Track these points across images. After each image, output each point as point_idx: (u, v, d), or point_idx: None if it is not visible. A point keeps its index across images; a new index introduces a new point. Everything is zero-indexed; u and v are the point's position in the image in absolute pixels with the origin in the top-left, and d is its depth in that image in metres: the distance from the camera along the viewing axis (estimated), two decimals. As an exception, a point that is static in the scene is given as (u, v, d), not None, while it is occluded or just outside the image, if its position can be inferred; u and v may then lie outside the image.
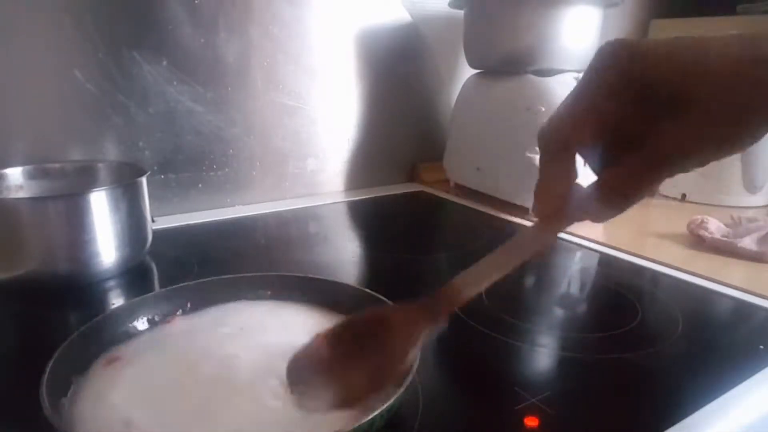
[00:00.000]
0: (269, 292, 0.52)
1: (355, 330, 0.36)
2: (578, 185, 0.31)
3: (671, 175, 0.29)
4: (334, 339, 0.36)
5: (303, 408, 0.34)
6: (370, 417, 0.32)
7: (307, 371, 0.35)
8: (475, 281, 0.34)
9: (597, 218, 0.31)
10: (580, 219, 0.31)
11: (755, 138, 0.28)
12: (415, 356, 0.35)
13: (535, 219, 0.32)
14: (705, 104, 0.27)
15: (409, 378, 0.36)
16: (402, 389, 0.35)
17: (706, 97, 0.27)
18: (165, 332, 0.46)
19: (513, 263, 0.33)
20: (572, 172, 0.31)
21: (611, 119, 0.29)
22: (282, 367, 0.37)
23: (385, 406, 0.33)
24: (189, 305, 0.49)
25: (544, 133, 0.31)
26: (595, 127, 0.30)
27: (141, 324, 0.46)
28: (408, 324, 0.34)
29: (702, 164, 0.29)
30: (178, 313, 0.48)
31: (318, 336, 0.36)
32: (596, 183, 0.30)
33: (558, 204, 0.31)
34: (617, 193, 0.29)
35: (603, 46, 0.29)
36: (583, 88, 0.30)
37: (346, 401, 0.34)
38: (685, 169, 0.29)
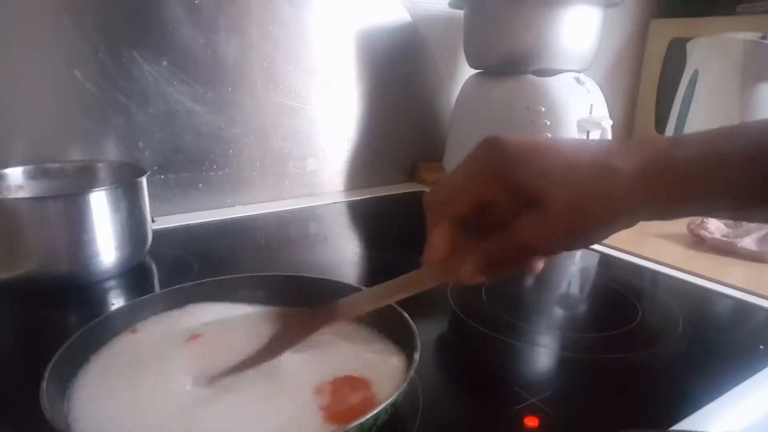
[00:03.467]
0: (269, 293, 0.51)
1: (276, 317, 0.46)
2: (464, 247, 0.36)
3: (527, 259, 0.35)
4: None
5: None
6: (375, 412, 0.32)
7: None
8: (357, 307, 0.42)
9: (470, 279, 0.35)
10: (455, 276, 0.36)
11: (598, 239, 0.34)
12: (291, 344, 0.42)
13: (422, 265, 0.38)
14: (553, 205, 0.32)
15: (411, 373, 0.36)
16: (404, 385, 0.35)
17: (555, 200, 0.32)
18: (166, 331, 0.46)
19: (395, 297, 0.41)
20: (449, 236, 0.36)
21: (484, 201, 0.35)
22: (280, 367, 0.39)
23: (389, 401, 0.33)
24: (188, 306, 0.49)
25: (428, 199, 0.37)
26: (471, 204, 0.35)
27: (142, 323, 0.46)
28: (296, 324, 0.43)
29: (553, 253, 0.35)
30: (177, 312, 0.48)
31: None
32: (472, 251, 0.35)
33: (438, 258, 0.36)
34: (485, 263, 0.35)
35: (482, 142, 0.35)
36: (464, 171, 0.36)
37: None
38: (539, 255, 0.35)
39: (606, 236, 0.33)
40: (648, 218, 0.33)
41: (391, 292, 0.41)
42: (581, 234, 0.33)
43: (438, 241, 0.36)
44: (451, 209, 0.36)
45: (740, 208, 0.33)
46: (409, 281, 0.40)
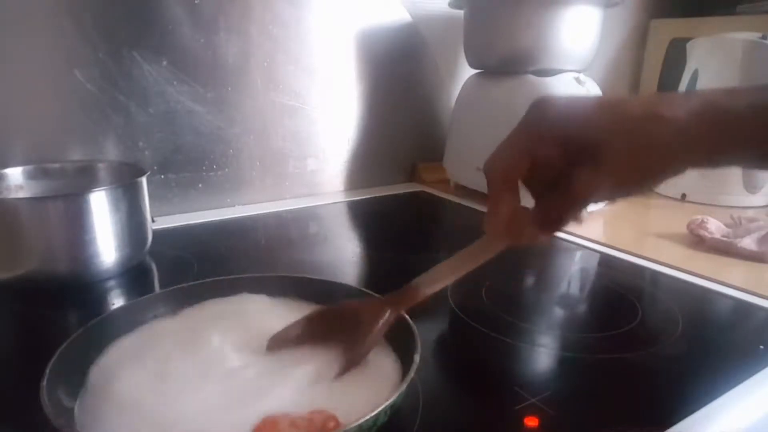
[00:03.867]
0: (268, 293, 0.51)
1: (328, 316, 0.44)
2: (521, 210, 0.37)
3: (587, 206, 0.36)
4: (308, 322, 0.43)
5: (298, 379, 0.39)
6: (375, 413, 0.32)
7: (283, 344, 0.42)
8: (432, 282, 0.42)
9: (533, 239, 0.37)
10: (520, 238, 0.38)
11: (652, 186, 0.36)
12: (376, 339, 0.41)
13: (485, 234, 0.39)
14: (608, 156, 0.33)
15: (411, 374, 0.36)
16: (404, 385, 0.35)
17: (609, 151, 0.33)
18: (166, 331, 0.46)
19: (466, 269, 0.41)
20: (514, 200, 0.37)
21: (541, 161, 0.36)
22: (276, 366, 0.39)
23: (389, 402, 0.33)
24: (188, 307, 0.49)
25: (489, 167, 0.37)
26: (528, 165, 0.36)
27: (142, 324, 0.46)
28: (372, 314, 0.42)
29: (611, 200, 0.37)
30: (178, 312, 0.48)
31: (297, 321, 0.43)
32: (531, 210, 0.37)
33: (503, 223, 0.37)
34: (545, 220, 0.37)
35: (532, 104, 0.36)
36: (519, 133, 0.37)
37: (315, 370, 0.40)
38: (597, 202, 0.36)
39: (659, 182, 0.35)
40: (698, 166, 0.35)
41: (464, 263, 0.41)
42: (636, 181, 0.35)
43: (502, 207, 0.37)
44: (511, 174, 0.37)
45: None
46: (476, 251, 0.41)
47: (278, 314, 0.47)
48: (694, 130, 0.33)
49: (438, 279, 0.42)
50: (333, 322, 0.43)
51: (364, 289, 0.49)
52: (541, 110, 0.36)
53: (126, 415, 0.35)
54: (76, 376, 0.39)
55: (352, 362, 0.40)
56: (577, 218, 0.36)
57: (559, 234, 0.39)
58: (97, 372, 0.40)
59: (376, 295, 0.47)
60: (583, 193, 0.34)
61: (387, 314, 0.41)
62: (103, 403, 0.37)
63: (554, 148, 0.35)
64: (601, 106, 0.35)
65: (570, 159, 0.35)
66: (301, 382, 0.38)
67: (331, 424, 0.33)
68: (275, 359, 0.41)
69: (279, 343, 0.42)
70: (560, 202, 0.36)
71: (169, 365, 0.40)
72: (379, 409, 0.32)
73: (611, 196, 0.36)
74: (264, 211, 0.91)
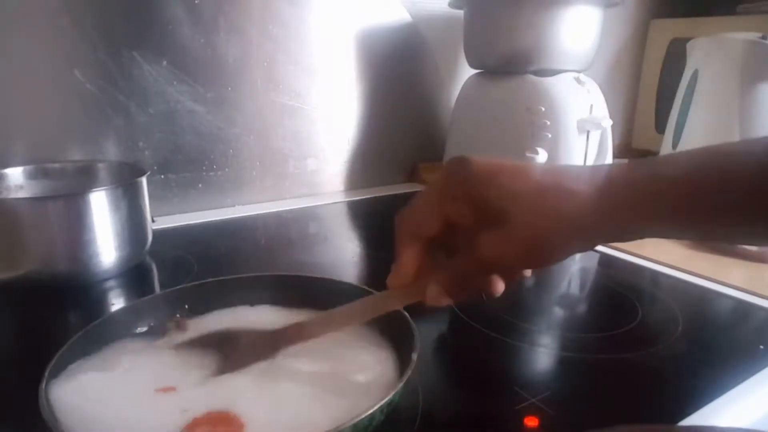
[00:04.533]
0: (269, 293, 0.51)
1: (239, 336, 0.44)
2: (427, 269, 0.37)
3: (488, 276, 0.35)
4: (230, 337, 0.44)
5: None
6: (370, 411, 0.32)
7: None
8: (323, 325, 0.42)
9: (437, 302, 0.36)
10: (422, 298, 0.37)
11: (557, 259, 0.35)
12: (245, 363, 0.41)
13: (388, 288, 0.39)
14: (514, 224, 0.33)
15: (408, 373, 0.36)
16: (401, 384, 0.35)
17: (515, 219, 0.33)
18: (167, 332, 0.46)
19: (361, 319, 0.42)
20: (418, 257, 0.37)
21: (454, 221, 0.36)
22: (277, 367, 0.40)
23: (385, 400, 0.33)
24: (188, 307, 0.49)
25: (399, 222, 0.38)
26: (439, 224, 0.36)
27: (143, 325, 0.46)
28: (251, 344, 0.43)
29: (513, 271, 0.36)
30: (179, 315, 0.48)
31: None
32: (438, 272, 0.36)
33: (405, 280, 0.37)
34: (449, 282, 0.36)
35: (449, 161, 0.36)
36: (434, 190, 0.37)
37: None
38: (500, 274, 0.35)
39: (564, 257, 0.35)
40: (606, 240, 0.35)
41: (361, 313, 0.41)
42: (539, 252, 0.34)
43: (407, 262, 0.37)
44: (421, 230, 0.37)
45: (707, 231, 0.34)
46: (376, 302, 0.41)
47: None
48: (597, 204, 0.32)
49: (329, 324, 0.42)
50: (231, 342, 0.44)
51: (365, 287, 0.49)
52: (458, 169, 0.36)
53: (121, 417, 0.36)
54: (74, 378, 0.39)
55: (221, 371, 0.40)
56: (487, 289, 0.36)
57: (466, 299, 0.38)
58: (91, 376, 0.40)
59: (375, 292, 0.47)
60: (487, 257, 0.34)
61: (263, 348, 0.42)
62: (100, 405, 0.37)
63: (467, 209, 0.35)
64: (512, 172, 0.34)
65: (480, 222, 0.34)
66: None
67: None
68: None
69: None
70: (464, 266, 0.35)
71: (165, 370, 0.40)
72: (375, 407, 0.32)
73: (515, 265, 0.35)
74: (264, 211, 0.91)
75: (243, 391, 0.38)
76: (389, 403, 0.34)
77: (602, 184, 0.33)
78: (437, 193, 0.37)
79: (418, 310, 0.42)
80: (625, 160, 0.34)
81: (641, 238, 0.34)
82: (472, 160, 0.35)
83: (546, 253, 0.35)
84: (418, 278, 0.37)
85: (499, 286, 0.36)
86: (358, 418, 0.31)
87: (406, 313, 0.43)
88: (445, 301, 0.36)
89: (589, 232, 0.34)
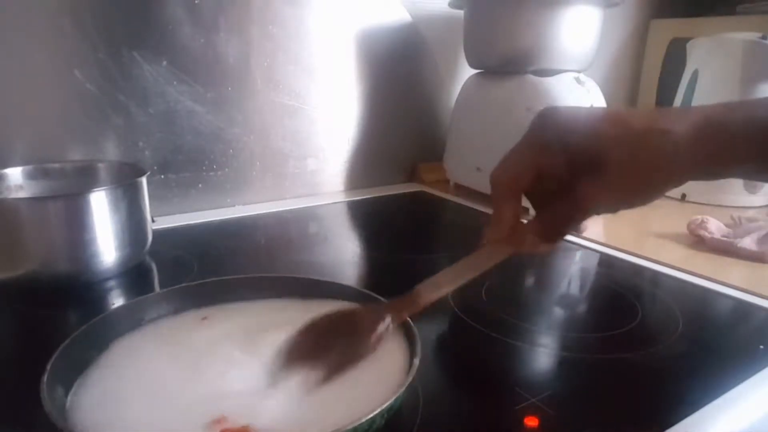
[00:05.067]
0: (269, 293, 0.51)
1: (331, 322, 0.42)
2: (522, 221, 0.39)
3: (589, 217, 0.36)
4: (313, 330, 0.42)
5: (290, 388, 0.38)
6: (370, 416, 0.32)
7: (290, 357, 0.40)
8: (435, 289, 0.41)
9: (534, 248, 0.38)
10: (521, 248, 0.38)
11: (656, 196, 0.36)
12: (375, 346, 0.40)
13: (486, 243, 0.39)
14: (612, 167, 0.34)
15: (410, 378, 0.36)
16: (402, 389, 0.35)
17: (613, 162, 0.34)
18: (168, 331, 0.46)
19: (468, 276, 0.41)
20: (517, 210, 0.38)
21: (546, 171, 0.37)
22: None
23: (385, 405, 0.33)
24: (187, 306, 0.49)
25: (495, 178, 0.38)
26: (533, 176, 0.37)
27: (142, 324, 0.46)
28: (374, 320, 0.41)
29: (614, 212, 0.37)
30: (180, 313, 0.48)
31: (300, 328, 0.42)
32: (534, 220, 0.38)
33: (506, 233, 0.38)
34: (547, 230, 0.38)
35: (538, 114, 0.37)
36: (525, 144, 0.38)
37: (322, 377, 0.39)
38: (599, 214, 0.37)
39: (660, 194, 0.36)
40: (697, 178, 0.36)
41: (466, 271, 0.41)
42: (639, 193, 0.36)
43: (505, 217, 0.38)
44: (517, 185, 0.38)
45: None
46: (479, 259, 0.41)
47: (280, 318, 0.47)
48: (694, 145, 0.34)
49: (440, 286, 0.42)
50: (332, 328, 0.42)
51: (365, 290, 0.49)
52: (547, 120, 0.37)
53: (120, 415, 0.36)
54: (76, 375, 0.39)
55: (343, 367, 0.39)
56: (578, 228, 0.37)
57: (560, 242, 0.39)
58: (96, 371, 0.40)
59: (378, 296, 0.47)
60: (587, 204, 0.35)
61: (387, 321, 0.41)
62: (100, 405, 0.37)
63: (559, 158, 0.36)
64: (605, 117, 0.35)
65: (574, 170, 0.35)
66: (289, 391, 0.37)
67: None
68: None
69: (286, 357, 0.40)
70: (563, 213, 0.37)
71: (163, 369, 0.40)
72: (375, 412, 0.32)
73: (614, 207, 0.37)
74: (264, 211, 0.91)
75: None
76: (389, 409, 0.34)
77: (700, 125, 0.34)
78: (529, 145, 0.37)
79: (418, 311, 0.42)
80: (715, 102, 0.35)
81: (730, 177, 0.36)
82: (559, 109, 0.36)
83: (644, 194, 0.36)
84: (516, 230, 0.38)
85: (589, 223, 0.38)
86: (358, 422, 0.31)
87: (408, 318, 0.42)
88: (543, 248, 0.38)
89: (685, 172, 0.35)
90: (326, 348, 0.41)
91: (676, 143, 0.34)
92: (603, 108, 0.36)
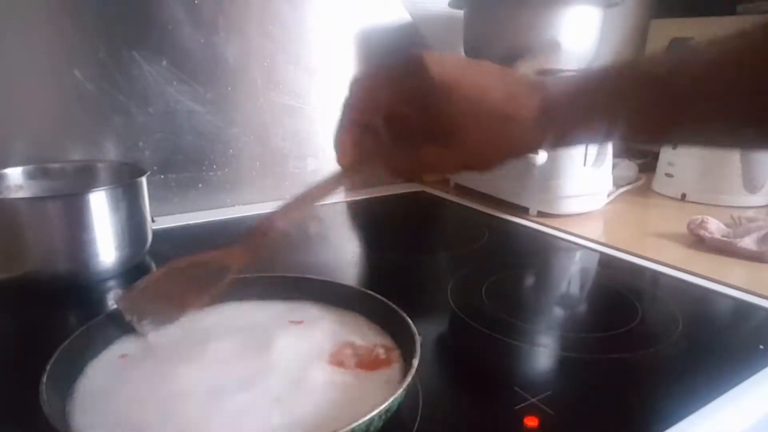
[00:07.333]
0: (269, 293, 0.52)
1: (179, 266, 0.45)
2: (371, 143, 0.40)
3: (428, 173, 0.40)
4: (160, 276, 0.45)
5: (142, 328, 0.42)
6: (368, 417, 0.32)
7: (136, 299, 0.43)
8: (284, 215, 0.45)
9: (377, 177, 0.40)
10: (367, 174, 0.41)
11: (492, 170, 0.38)
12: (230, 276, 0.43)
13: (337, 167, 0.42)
14: (459, 141, 0.36)
15: (408, 379, 0.36)
16: (401, 390, 0.35)
17: (462, 138, 0.36)
18: (168, 331, 0.46)
19: (316, 200, 0.45)
20: (358, 141, 0.39)
21: (395, 116, 0.38)
22: (281, 370, 0.40)
23: (383, 406, 0.33)
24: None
25: (346, 105, 0.39)
26: (383, 116, 0.38)
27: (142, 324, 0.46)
28: (223, 256, 0.45)
29: (452, 175, 0.43)
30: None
31: (147, 275, 0.44)
32: (380, 157, 0.40)
33: (350, 159, 0.40)
34: (391, 163, 0.40)
35: (409, 61, 0.37)
36: (385, 83, 0.38)
37: (171, 311, 0.43)
38: (442, 174, 0.41)
39: (499, 167, 0.38)
40: (546, 148, 0.39)
41: (314, 196, 0.45)
42: (477, 167, 0.39)
43: (347, 144, 0.40)
44: (364, 118, 0.39)
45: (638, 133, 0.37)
46: (323, 184, 0.44)
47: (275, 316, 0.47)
48: (541, 129, 0.35)
49: (290, 211, 0.45)
50: (188, 272, 0.45)
51: (366, 290, 0.49)
52: (415, 76, 0.36)
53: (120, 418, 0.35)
54: (76, 375, 0.39)
55: (196, 304, 0.42)
56: (420, 179, 0.40)
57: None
58: (96, 372, 0.40)
59: (378, 296, 0.47)
60: (430, 164, 0.38)
61: (237, 257, 0.44)
62: (99, 405, 0.37)
63: (417, 111, 0.37)
64: (469, 87, 0.36)
65: (423, 125, 0.37)
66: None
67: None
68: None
69: (129, 298, 0.43)
70: (408, 163, 0.39)
71: (166, 369, 0.40)
72: (373, 413, 0.32)
73: (453, 172, 0.40)
74: (264, 211, 0.90)
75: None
76: (387, 410, 0.34)
77: (542, 101, 0.35)
78: (391, 87, 0.38)
79: (419, 310, 0.43)
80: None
81: (577, 145, 0.39)
82: (430, 65, 0.36)
83: (483, 167, 0.38)
84: (363, 157, 0.40)
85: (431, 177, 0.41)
86: (356, 423, 0.31)
87: (408, 317, 0.42)
88: (390, 180, 0.41)
89: (530, 149, 0.38)
90: (179, 290, 0.44)
91: (524, 128, 0.35)
92: (470, 71, 0.37)
